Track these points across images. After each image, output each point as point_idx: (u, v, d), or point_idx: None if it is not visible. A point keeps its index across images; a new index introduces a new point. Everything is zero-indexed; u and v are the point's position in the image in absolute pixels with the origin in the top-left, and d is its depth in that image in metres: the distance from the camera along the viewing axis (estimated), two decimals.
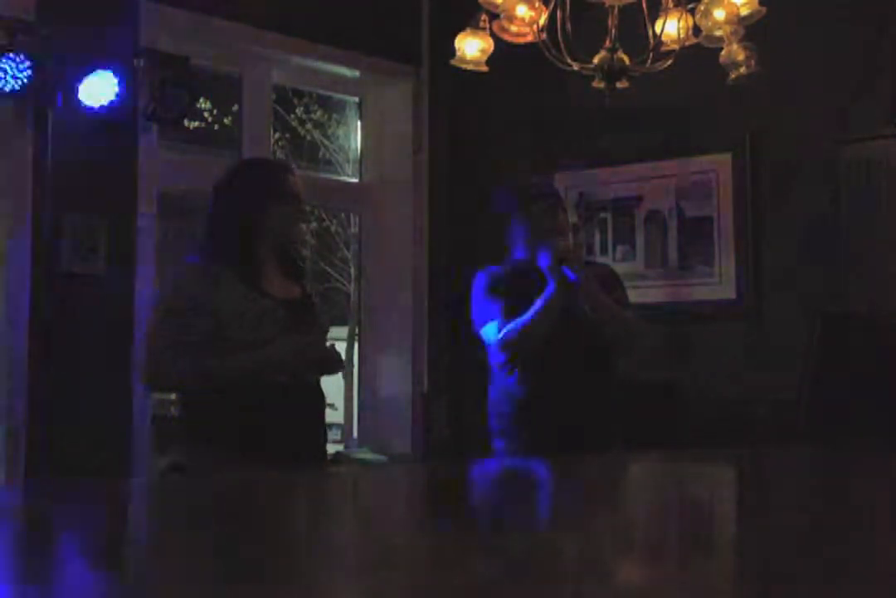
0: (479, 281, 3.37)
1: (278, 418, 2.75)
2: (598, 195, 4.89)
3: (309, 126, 6.35)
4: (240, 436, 2.72)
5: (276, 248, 2.90)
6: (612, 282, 3.40)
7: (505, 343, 3.23)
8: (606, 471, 1.67)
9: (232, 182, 2.88)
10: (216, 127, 5.58)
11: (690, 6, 3.11)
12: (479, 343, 3.37)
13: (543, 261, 3.24)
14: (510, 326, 3.23)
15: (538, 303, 3.21)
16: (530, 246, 3.32)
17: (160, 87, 3.92)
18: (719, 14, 3.03)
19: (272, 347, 2.74)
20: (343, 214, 6.36)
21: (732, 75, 3.19)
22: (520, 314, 3.23)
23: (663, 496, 1.31)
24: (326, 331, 3.01)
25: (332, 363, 2.90)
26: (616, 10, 3.15)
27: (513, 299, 3.26)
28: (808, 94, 4.29)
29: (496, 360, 3.31)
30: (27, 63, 3.55)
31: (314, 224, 6.65)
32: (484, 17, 3.18)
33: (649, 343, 3.65)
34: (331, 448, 5.16)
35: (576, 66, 3.18)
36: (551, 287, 3.21)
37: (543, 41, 3.13)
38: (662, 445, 3.34)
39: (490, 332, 3.27)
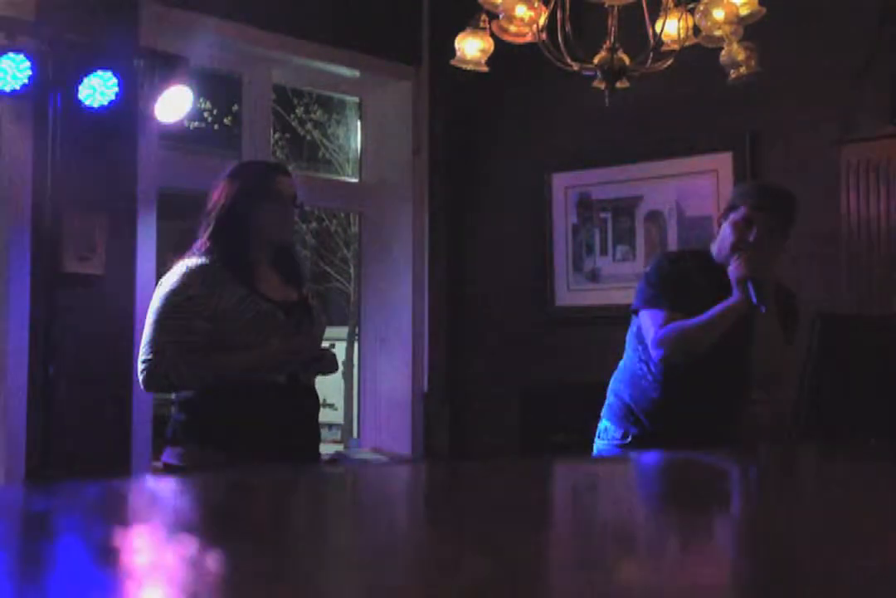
0: (663, 263, 3.13)
1: (272, 418, 2.75)
2: (598, 195, 4.89)
3: (309, 126, 6.35)
4: (234, 436, 2.72)
5: (269, 249, 2.89)
6: (790, 316, 3.15)
7: (664, 340, 2.99)
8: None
9: (225, 182, 2.88)
10: (216, 127, 5.58)
11: (690, 6, 3.12)
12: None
13: (735, 273, 3.00)
14: (675, 324, 2.98)
15: (714, 310, 2.98)
16: (725, 250, 3.07)
17: (160, 87, 3.92)
18: (719, 14, 3.04)
19: (260, 351, 2.73)
20: (343, 214, 6.36)
21: (732, 75, 3.19)
22: (682, 308, 3.00)
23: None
24: (322, 332, 3.00)
25: (325, 365, 2.89)
26: (616, 10, 3.15)
27: (686, 292, 3.03)
28: (808, 95, 4.30)
29: (648, 354, 3.06)
30: (27, 63, 3.55)
31: (314, 224, 6.66)
32: (484, 17, 3.18)
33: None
34: (331, 448, 5.16)
35: (576, 67, 3.18)
36: (733, 300, 2.98)
37: (543, 41, 3.13)
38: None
39: (650, 319, 3.02)
